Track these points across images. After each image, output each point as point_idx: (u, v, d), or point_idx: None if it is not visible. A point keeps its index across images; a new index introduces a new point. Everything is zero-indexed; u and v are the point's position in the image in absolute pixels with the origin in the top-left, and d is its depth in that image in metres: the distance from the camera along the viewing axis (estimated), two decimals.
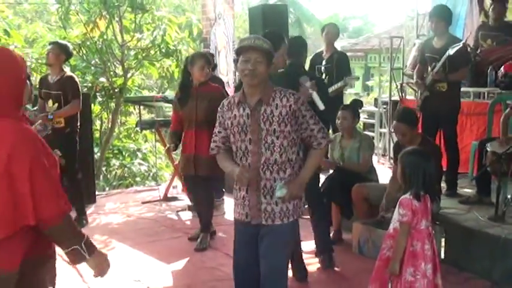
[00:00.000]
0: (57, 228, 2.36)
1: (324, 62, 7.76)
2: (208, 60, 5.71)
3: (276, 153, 3.20)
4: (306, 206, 5.80)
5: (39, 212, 2.30)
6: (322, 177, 6.36)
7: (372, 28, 39.69)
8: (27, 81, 2.58)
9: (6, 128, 2.36)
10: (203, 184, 5.68)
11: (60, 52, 6.46)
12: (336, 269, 5.07)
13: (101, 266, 2.53)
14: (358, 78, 7.86)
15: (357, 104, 6.47)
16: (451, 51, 5.73)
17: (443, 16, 6.11)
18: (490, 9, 7.46)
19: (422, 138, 5.05)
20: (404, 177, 3.60)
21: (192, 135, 5.54)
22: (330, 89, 7.30)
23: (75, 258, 2.44)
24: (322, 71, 7.73)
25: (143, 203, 7.85)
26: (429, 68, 6.15)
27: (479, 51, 7.32)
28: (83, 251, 2.41)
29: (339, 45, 10.54)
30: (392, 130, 5.65)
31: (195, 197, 6.16)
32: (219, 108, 3.42)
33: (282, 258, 3.36)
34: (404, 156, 3.67)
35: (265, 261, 3.28)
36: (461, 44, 5.91)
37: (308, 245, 5.70)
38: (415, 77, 6.57)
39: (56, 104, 6.32)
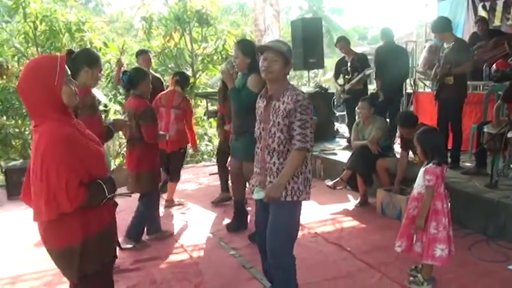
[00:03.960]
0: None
1: (349, 64, 7.85)
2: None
3: (275, 142, 2.96)
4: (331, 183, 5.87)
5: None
6: (348, 154, 6.35)
7: None
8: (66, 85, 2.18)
9: (44, 131, 2.13)
10: None
11: (149, 58, 6.85)
12: (363, 225, 5.12)
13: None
14: (373, 68, 7.75)
15: (373, 97, 6.48)
16: None
17: (443, 29, 5.79)
18: (476, 26, 7.85)
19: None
20: (424, 151, 3.49)
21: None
22: (354, 80, 7.66)
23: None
24: (349, 70, 7.81)
25: (210, 174, 7.99)
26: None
27: (476, 52, 7.15)
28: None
29: (360, 50, 10.50)
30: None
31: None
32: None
33: (279, 235, 3.01)
34: (421, 136, 3.54)
35: (268, 230, 3.04)
36: None
37: (336, 208, 5.75)
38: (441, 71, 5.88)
39: None
